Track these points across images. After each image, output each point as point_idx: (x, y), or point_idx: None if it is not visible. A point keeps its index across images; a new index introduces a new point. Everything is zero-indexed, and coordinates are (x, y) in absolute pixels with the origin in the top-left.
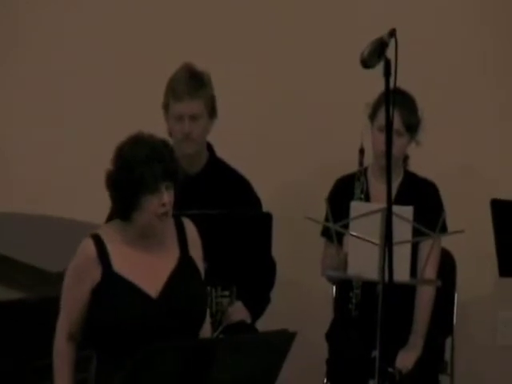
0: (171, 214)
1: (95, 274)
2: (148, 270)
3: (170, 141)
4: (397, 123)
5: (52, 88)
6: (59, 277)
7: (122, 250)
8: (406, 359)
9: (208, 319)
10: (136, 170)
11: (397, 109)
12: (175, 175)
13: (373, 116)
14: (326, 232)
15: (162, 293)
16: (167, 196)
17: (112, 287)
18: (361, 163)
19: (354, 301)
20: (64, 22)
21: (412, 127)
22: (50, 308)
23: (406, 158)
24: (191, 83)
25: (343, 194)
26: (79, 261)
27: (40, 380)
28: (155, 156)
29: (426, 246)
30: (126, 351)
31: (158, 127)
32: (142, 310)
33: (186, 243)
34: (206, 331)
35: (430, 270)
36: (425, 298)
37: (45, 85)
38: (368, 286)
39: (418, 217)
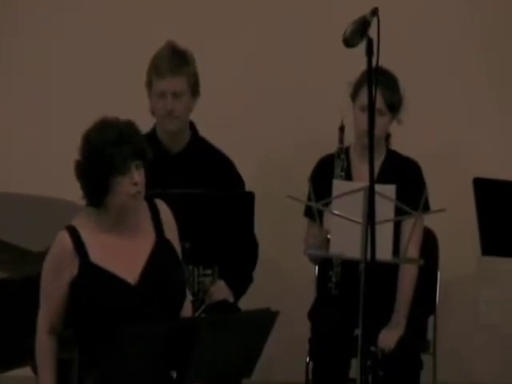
0: (144, 193)
1: (73, 266)
2: (125, 256)
3: (152, 119)
4: (379, 102)
5: (38, 60)
6: (41, 256)
7: (97, 238)
8: (388, 338)
9: (189, 298)
10: (105, 153)
11: (379, 88)
12: (144, 154)
13: (354, 95)
14: (308, 212)
15: (140, 279)
16: (138, 175)
17: (90, 278)
18: (341, 140)
19: (333, 279)
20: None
21: (394, 106)
22: (32, 287)
23: (388, 137)
24: (174, 60)
25: (326, 173)
26: (56, 254)
27: (24, 359)
28: (122, 137)
29: (408, 225)
30: (108, 339)
31: (142, 107)
32: (122, 298)
33: (160, 226)
34: (187, 310)
35: (412, 249)
36: (407, 276)
37: (31, 60)
38: (348, 264)
39: (400, 195)
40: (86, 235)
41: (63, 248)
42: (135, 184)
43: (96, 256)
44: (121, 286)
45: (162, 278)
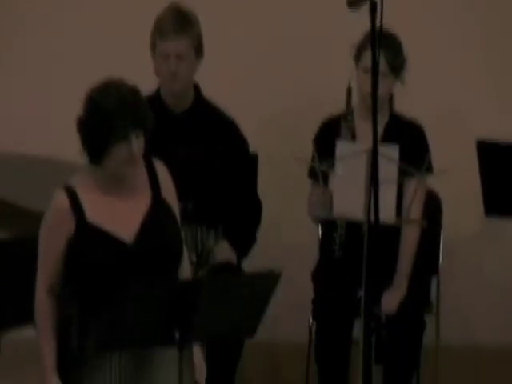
0: (141, 158)
1: (69, 225)
2: (121, 215)
3: (156, 80)
4: (382, 64)
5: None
6: (42, 216)
7: (94, 197)
8: (390, 301)
9: (186, 258)
10: (105, 119)
11: (382, 50)
12: (145, 123)
13: (358, 57)
14: (312, 173)
15: (136, 237)
16: (136, 145)
17: (86, 237)
18: (348, 103)
19: (337, 241)
20: None
21: (397, 68)
22: (34, 247)
23: (391, 98)
24: (177, 22)
25: (329, 135)
26: (53, 214)
27: (27, 318)
28: (125, 104)
29: (411, 187)
30: (105, 298)
31: (146, 68)
32: (118, 256)
33: (158, 186)
34: (186, 271)
35: (415, 210)
36: (409, 238)
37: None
38: (352, 226)
39: (403, 157)
40: (82, 194)
41: (60, 207)
42: (132, 153)
43: (92, 215)
44: (117, 245)
45: (157, 237)
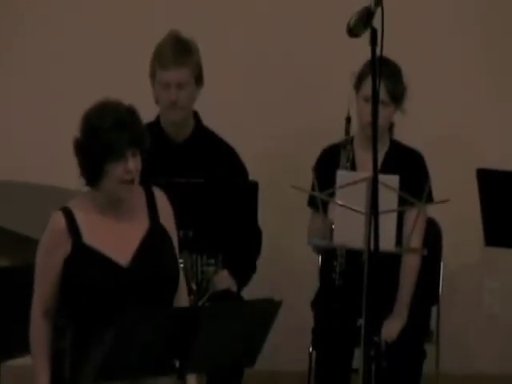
0: (138, 181)
1: (66, 246)
2: (118, 239)
3: (156, 109)
4: (382, 93)
5: (39, 54)
6: None
7: (91, 220)
8: (390, 329)
9: (184, 288)
10: (102, 137)
11: (382, 79)
12: (141, 142)
13: (358, 86)
14: (312, 202)
15: (132, 261)
16: (132, 163)
17: (82, 259)
18: (347, 132)
19: (337, 270)
20: None
21: (397, 97)
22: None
23: (391, 127)
24: (178, 51)
25: (329, 163)
26: (50, 235)
27: (27, 347)
28: (121, 123)
29: (411, 215)
30: (100, 322)
31: (145, 95)
32: (113, 279)
33: (155, 211)
34: (184, 300)
35: (415, 239)
36: (410, 266)
37: (32, 50)
38: (352, 254)
39: (403, 186)
40: (80, 216)
41: (57, 228)
42: (129, 172)
43: (89, 237)
44: (112, 268)
45: (153, 262)
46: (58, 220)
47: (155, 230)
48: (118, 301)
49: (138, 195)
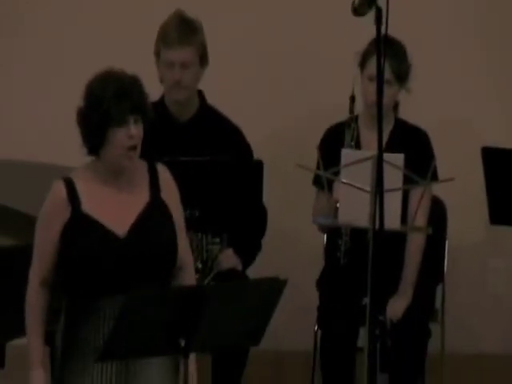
0: (139, 149)
1: (65, 215)
2: (118, 209)
3: (161, 88)
4: (387, 73)
5: (43, 36)
6: None
7: (92, 190)
8: (395, 308)
9: (191, 266)
10: (103, 104)
11: (387, 58)
12: (143, 109)
13: (362, 65)
14: (317, 180)
15: (129, 232)
16: (134, 128)
17: (80, 227)
18: (351, 110)
19: (342, 248)
20: None
21: (402, 76)
22: None
23: (396, 106)
24: (182, 30)
25: (334, 141)
26: (50, 203)
27: None
28: (123, 90)
29: (416, 194)
30: (95, 292)
31: (150, 74)
32: (109, 249)
33: (157, 186)
34: (189, 279)
35: (420, 218)
36: (414, 245)
37: (37, 32)
38: (357, 233)
39: (408, 164)
40: (81, 186)
41: (57, 197)
42: (131, 137)
43: (88, 206)
44: (109, 238)
45: (150, 235)
46: (59, 189)
47: (155, 204)
48: (112, 271)
49: (141, 169)
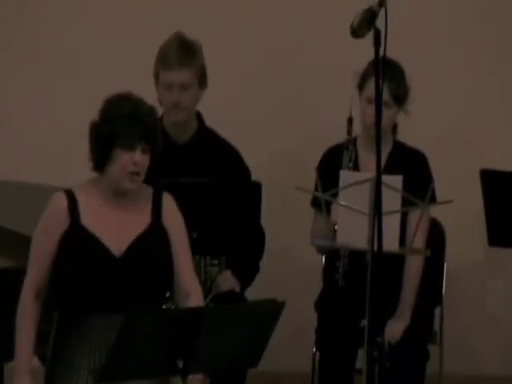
0: (143, 177)
1: (64, 225)
2: (116, 228)
3: (159, 110)
4: (385, 95)
5: (43, 53)
6: None
7: (93, 204)
8: (394, 330)
9: (200, 294)
10: (115, 122)
11: (385, 80)
12: (154, 140)
13: (361, 86)
14: (315, 202)
15: (125, 252)
16: (140, 157)
17: (77, 240)
18: (349, 132)
19: (340, 270)
20: None
21: (400, 98)
22: None
23: (394, 127)
24: (181, 52)
25: (333, 163)
26: (49, 213)
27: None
28: (137, 115)
29: (415, 216)
30: (86, 308)
31: (148, 96)
32: (104, 266)
33: (159, 213)
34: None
35: (418, 240)
36: (413, 267)
37: (38, 50)
38: (355, 255)
39: (407, 186)
40: (82, 199)
41: (57, 207)
42: (135, 163)
43: (87, 220)
44: (104, 255)
45: (146, 258)
46: (60, 200)
47: (155, 228)
48: (104, 288)
49: (145, 194)
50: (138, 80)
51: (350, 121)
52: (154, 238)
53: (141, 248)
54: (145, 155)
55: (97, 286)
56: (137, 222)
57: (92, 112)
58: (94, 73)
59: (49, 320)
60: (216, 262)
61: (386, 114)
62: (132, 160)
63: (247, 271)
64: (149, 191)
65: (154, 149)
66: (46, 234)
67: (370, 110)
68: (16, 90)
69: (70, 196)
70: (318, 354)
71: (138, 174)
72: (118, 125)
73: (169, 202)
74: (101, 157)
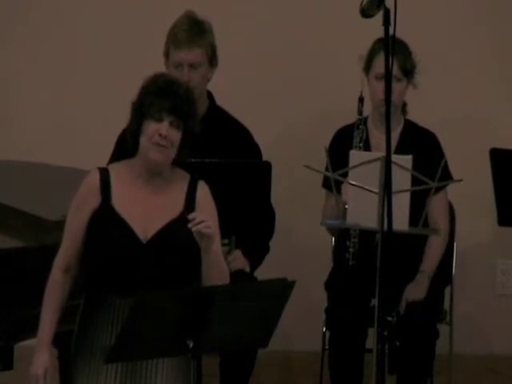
0: (173, 153)
1: (94, 204)
2: (146, 213)
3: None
4: (394, 69)
5: (55, 38)
6: (57, 225)
7: (125, 187)
8: (416, 290)
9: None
10: (147, 95)
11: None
12: (184, 115)
13: (368, 66)
14: (326, 183)
15: (152, 239)
16: (167, 130)
17: (105, 221)
18: (360, 112)
19: (351, 250)
20: None
21: (409, 71)
22: (48, 256)
23: (404, 106)
24: (191, 31)
25: (343, 143)
26: (83, 190)
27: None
28: (169, 89)
29: (436, 199)
30: (111, 291)
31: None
32: (129, 250)
33: (193, 202)
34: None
35: (442, 222)
36: (436, 240)
37: (50, 36)
38: (365, 235)
39: (419, 166)
40: (115, 180)
41: (90, 184)
42: (161, 135)
43: (118, 202)
44: (131, 239)
45: (172, 248)
46: (93, 177)
47: (185, 219)
48: (128, 273)
49: (180, 180)
50: (149, 61)
51: (361, 100)
52: (183, 228)
53: (168, 236)
54: (173, 129)
55: (121, 269)
56: (168, 209)
57: (106, 92)
58: (105, 55)
59: (80, 297)
60: (226, 241)
61: (397, 88)
62: (158, 131)
63: (257, 251)
64: (185, 178)
65: (186, 126)
66: (78, 210)
67: (381, 86)
68: (29, 73)
69: (104, 174)
70: (327, 334)
71: (165, 147)
72: (149, 96)
73: (203, 191)
74: (134, 129)
